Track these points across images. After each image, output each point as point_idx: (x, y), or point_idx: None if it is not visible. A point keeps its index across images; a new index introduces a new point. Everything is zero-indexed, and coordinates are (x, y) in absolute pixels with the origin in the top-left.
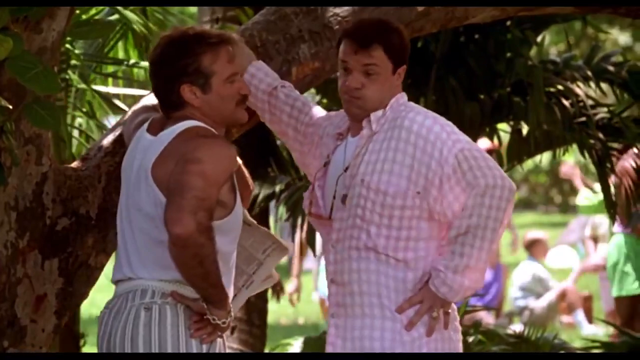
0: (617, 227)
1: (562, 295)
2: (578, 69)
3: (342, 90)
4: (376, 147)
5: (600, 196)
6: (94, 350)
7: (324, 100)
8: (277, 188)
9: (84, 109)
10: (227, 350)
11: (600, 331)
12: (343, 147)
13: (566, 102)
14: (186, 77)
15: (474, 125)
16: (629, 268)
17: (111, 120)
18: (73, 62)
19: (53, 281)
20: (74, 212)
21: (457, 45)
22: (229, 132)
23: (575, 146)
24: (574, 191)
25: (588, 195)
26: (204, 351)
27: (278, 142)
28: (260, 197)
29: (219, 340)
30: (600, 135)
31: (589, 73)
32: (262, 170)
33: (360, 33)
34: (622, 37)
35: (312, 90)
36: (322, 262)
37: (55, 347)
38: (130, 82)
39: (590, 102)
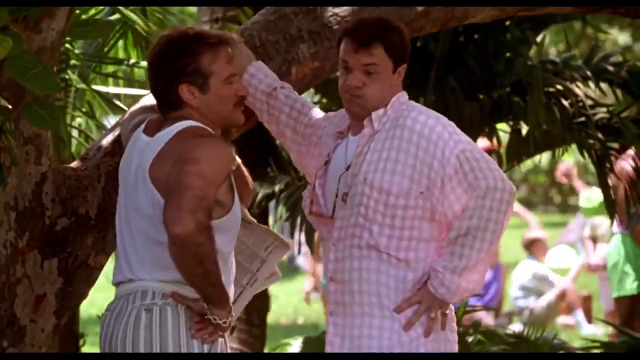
0: (616, 228)
1: (562, 295)
2: (577, 69)
3: (342, 89)
4: (378, 146)
5: (601, 197)
6: (94, 350)
7: (324, 100)
8: (277, 188)
9: (84, 109)
10: (229, 350)
11: (599, 331)
12: (344, 146)
13: (565, 102)
14: (185, 77)
15: (474, 125)
16: (628, 268)
17: (110, 120)
18: (72, 61)
19: (52, 281)
20: (73, 212)
21: (457, 45)
22: (228, 132)
23: (574, 146)
24: (573, 191)
25: (589, 196)
26: (206, 351)
27: (277, 142)
28: (260, 196)
29: (220, 340)
30: (600, 135)
31: (589, 73)
32: (261, 170)
33: (361, 32)
34: (622, 37)
35: (312, 90)
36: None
37: (55, 347)
38: (130, 81)
39: (589, 102)
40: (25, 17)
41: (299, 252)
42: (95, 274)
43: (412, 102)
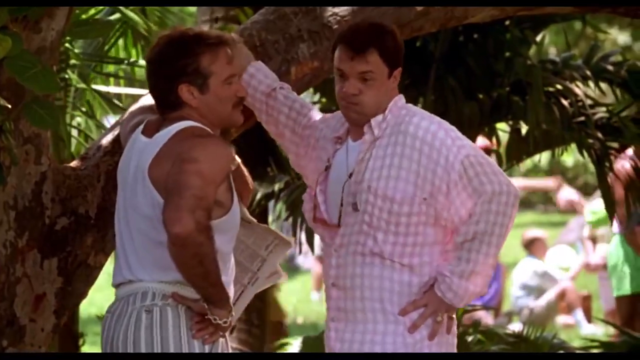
0: (616, 228)
1: (561, 295)
2: (577, 68)
3: (339, 96)
4: (380, 152)
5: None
6: (93, 349)
7: (323, 100)
8: (276, 187)
9: (83, 109)
10: (230, 350)
11: (599, 331)
12: (344, 152)
13: (565, 102)
14: (185, 77)
15: (473, 125)
16: (628, 268)
17: (110, 120)
18: (72, 61)
19: (52, 280)
20: (73, 212)
21: (456, 45)
22: (227, 132)
23: (574, 146)
24: None
25: (593, 209)
26: (207, 351)
27: (277, 142)
28: (259, 196)
29: (221, 340)
30: (599, 135)
31: (588, 73)
32: (261, 170)
33: (355, 39)
34: (622, 37)
35: (311, 90)
36: None
37: (54, 347)
38: (130, 81)
39: (589, 101)
40: (24, 16)
41: (300, 251)
42: (94, 274)
43: (412, 106)
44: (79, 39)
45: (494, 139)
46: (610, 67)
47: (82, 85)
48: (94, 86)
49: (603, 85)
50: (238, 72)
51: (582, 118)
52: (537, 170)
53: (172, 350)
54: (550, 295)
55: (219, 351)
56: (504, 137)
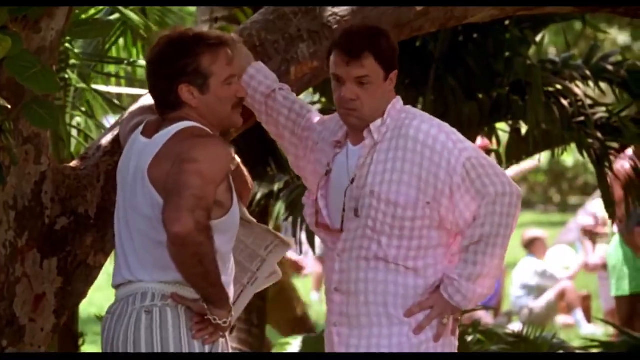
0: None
1: (561, 295)
2: (577, 68)
3: (337, 102)
4: (381, 157)
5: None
6: (93, 349)
7: (323, 100)
8: (276, 187)
9: (83, 108)
10: (230, 349)
11: (599, 331)
12: (344, 156)
13: (565, 102)
14: (185, 77)
15: (473, 125)
16: (627, 268)
17: (110, 120)
18: (72, 61)
19: (52, 280)
20: (72, 212)
21: (456, 45)
22: (227, 132)
23: (573, 146)
24: (572, 190)
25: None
26: (207, 352)
27: None
28: (259, 196)
29: (221, 340)
30: (599, 135)
31: (588, 72)
32: (260, 169)
33: (350, 43)
34: (621, 37)
35: (311, 90)
36: None
37: (54, 347)
38: (130, 81)
39: (589, 101)
40: (24, 16)
41: (300, 252)
42: (94, 274)
43: (411, 109)
44: (78, 38)
45: (493, 139)
46: (610, 67)
47: (82, 85)
48: (93, 86)
49: (603, 85)
50: (238, 73)
51: (582, 118)
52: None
53: (172, 351)
54: (550, 295)
55: (219, 351)
56: (503, 137)
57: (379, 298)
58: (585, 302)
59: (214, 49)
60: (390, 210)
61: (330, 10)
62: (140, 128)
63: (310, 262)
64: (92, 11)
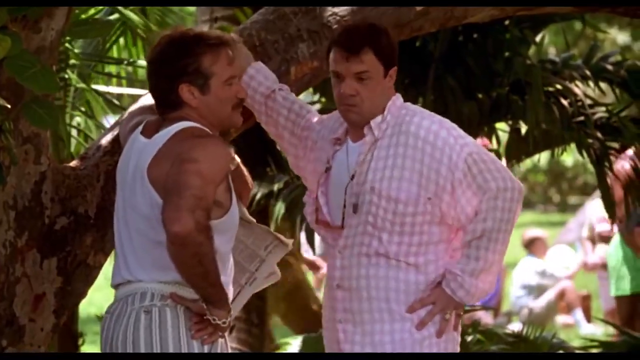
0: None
1: (561, 295)
2: (577, 68)
3: (337, 99)
4: (382, 153)
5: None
6: (93, 349)
7: (323, 99)
8: (276, 187)
9: (83, 108)
10: (230, 350)
11: (598, 330)
12: (344, 153)
13: (565, 102)
14: (186, 76)
15: (472, 125)
16: (627, 268)
17: (110, 120)
18: (72, 61)
19: (52, 280)
20: (72, 211)
21: (456, 45)
22: (227, 132)
23: (573, 145)
24: (572, 190)
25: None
26: (206, 352)
27: None
28: (259, 196)
29: (220, 340)
30: (599, 135)
31: (588, 72)
32: (260, 169)
33: (349, 39)
34: (621, 37)
35: (311, 90)
36: None
37: (54, 347)
38: (130, 81)
39: (588, 101)
40: (24, 16)
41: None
42: (94, 273)
43: (411, 105)
44: (78, 38)
45: (492, 139)
46: (609, 67)
47: (82, 85)
48: (93, 86)
49: (603, 85)
50: (238, 74)
51: (582, 118)
52: (536, 170)
53: (171, 351)
54: (549, 295)
55: (218, 351)
56: (503, 136)
57: (380, 294)
58: (585, 302)
59: (215, 49)
60: (390, 206)
61: (330, 10)
62: (140, 128)
63: None
64: (92, 11)
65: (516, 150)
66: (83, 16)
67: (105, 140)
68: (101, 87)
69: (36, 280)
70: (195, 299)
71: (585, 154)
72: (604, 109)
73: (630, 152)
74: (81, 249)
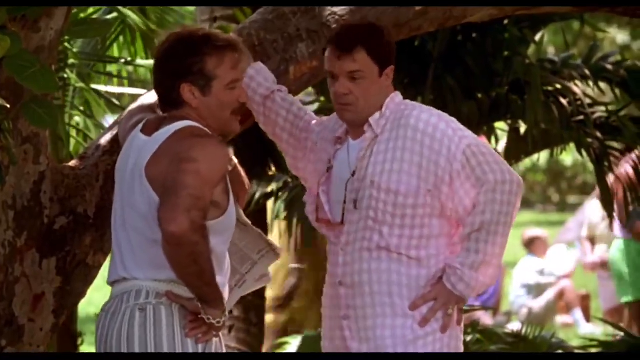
0: (619, 232)
1: (560, 294)
2: (576, 68)
3: (333, 98)
4: (382, 147)
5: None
6: (92, 349)
7: (322, 99)
8: (275, 187)
9: (82, 108)
10: (225, 350)
11: (597, 330)
12: (345, 152)
13: (564, 101)
14: (189, 76)
15: (472, 124)
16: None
17: (109, 119)
18: (71, 61)
19: (51, 280)
20: (71, 211)
21: (455, 44)
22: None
23: (573, 145)
24: (571, 190)
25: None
26: (200, 351)
27: None
28: (258, 195)
29: (214, 339)
30: (598, 134)
31: (587, 72)
32: (259, 169)
33: (342, 39)
34: (620, 36)
35: (310, 89)
36: None
37: (53, 346)
38: (130, 80)
39: (588, 100)
40: (23, 16)
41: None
42: (93, 273)
43: (410, 102)
44: (77, 38)
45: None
46: (609, 67)
47: (81, 85)
48: (93, 86)
49: (602, 84)
50: (242, 78)
51: (581, 117)
52: (535, 170)
53: (165, 349)
54: (549, 294)
55: (213, 351)
56: (502, 136)
57: (383, 288)
58: (585, 302)
59: (221, 52)
60: (390, 199)
61: (329, 9)
62: (140, 125)
63: None
64: (91, 10)
65: (515, 149)
66: (82, 15)
67: (105, 140)
68: (100, 87)
69: (35, 280)
70: (191, 298)
71: (584, 154)
72: (603, 108)
73: (634, 155)
74: (80, 248)
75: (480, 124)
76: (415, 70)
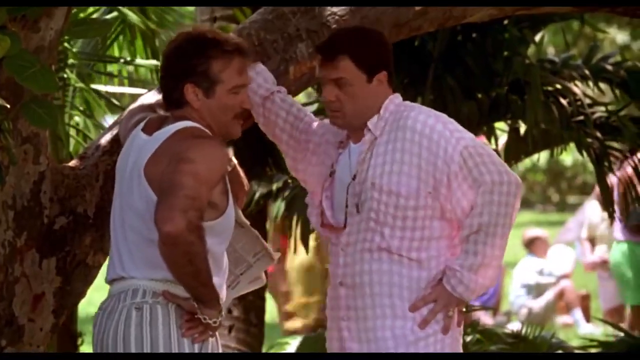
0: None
1: (560, 295)
2: (576, 68)
3: (324, 105)
4: (381, 149)
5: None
6: (92, 349)
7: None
8: (274, 187)
9: (82, 108)
10: (225, 350)
11: (597, 330)
12: (347, 155)
13: (564, 101)
14: (193, 77)
15: (472, 124)
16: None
17: (109, 119)
18: (71, 60)
19: (51, 280)
20: (71, 211)
21: (455, 44)
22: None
23: (573, 145)
24: (571, 190)
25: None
26: (196, 350)
27: None
28: (258, 195)
29: (211, 339)
30: (598, 134)
31: (587, 72)
32: (259, 169)
33: (326, 45)
34: (620, 36)
35: (309, 90)
36: None
37: (53, 346)
38: (130, 80)
39: (588, 100)
40: (23, 16)
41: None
42: (93, 273)
43: (410, 103)
44: (77, 38)
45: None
46: (609, 67)
47: (81, 85)
48: (93, 85)
49: (602, 84)
50: (247, 84)
51: (581, 117)
52: (535, 170)
53: (161, 348)
54: (549, 294)
55: (209, 351)
56: (502, 136)
57: (384, 289)
58: (584, 302)
59: (228, 56)
60: (392, 200)
61: (329, 9)
62: (142, 124)
63: None
64: (90, 10)
65: (515, 149)
66: (82, 15)
67: (104, 139)
68: (100, 87)
69: (35, 280)
70: (187, 298)
71: (584, 154)
72: (603, 108)
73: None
74: (80, 248)
75: (480, 124)
76: (415, 70)
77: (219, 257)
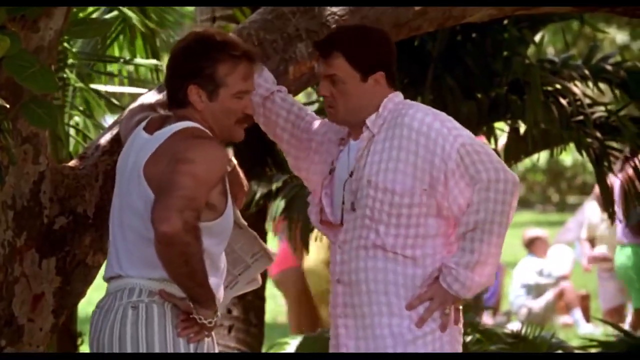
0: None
1: (560, 295)
2: (576, 68)
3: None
4: (378, 147)
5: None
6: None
7: (321, 99)
8: (274, 186)
9: (82, 108)
10: (225, 350)
11: (597, 330)
12: (346, 152)
13: (564, 101)
14: (198, 78)
15: (471, 124)
16: None
17: (109, 119)
18: (70, 60)
19: (50, 280)
20: (71, 211)
21: (454, 44)
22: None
23: (572, 145)
24: (571, 190)
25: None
26: (192, 350)
27: None
28: (258, 195)
29: (206, 339)
30: (598, 134)
31: (587, 72)
32: (259, 169)
33: (322, 42)
34: (620, 36)
35: (309, 89)
36: None
37: (53, 346)
38: (131, 80)
39: (587, 100)
40: (23, 16)
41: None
42: (93, 273)
43: (409, 101)
44: (77, 38)
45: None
46: (609, 67)
47: (81, 85)
48: (92, 85)
49: (602, 84)
50: (252, 90)
51: (581, 117)
52: (535, 170)
53: (157, 348)
54: (548, 294)
55: (205, 351)
56: (502, 136)
57: (379, 286)
58: (584, 302)
59: (235, 61)
60: (387, 198)
61: (328, 9)
62: (143, 123)
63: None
64: (90, 9)
65: (515, 149)
66: (81, 15)
67: (104, 139)
68: (100, 87)
69: (35, 280)
70: (183, 297)
71: (584, 154)
72: (603, 108)
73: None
74: (80, 248)
75: (480, 124)
76: (414, 70)
77: (217, 257)
